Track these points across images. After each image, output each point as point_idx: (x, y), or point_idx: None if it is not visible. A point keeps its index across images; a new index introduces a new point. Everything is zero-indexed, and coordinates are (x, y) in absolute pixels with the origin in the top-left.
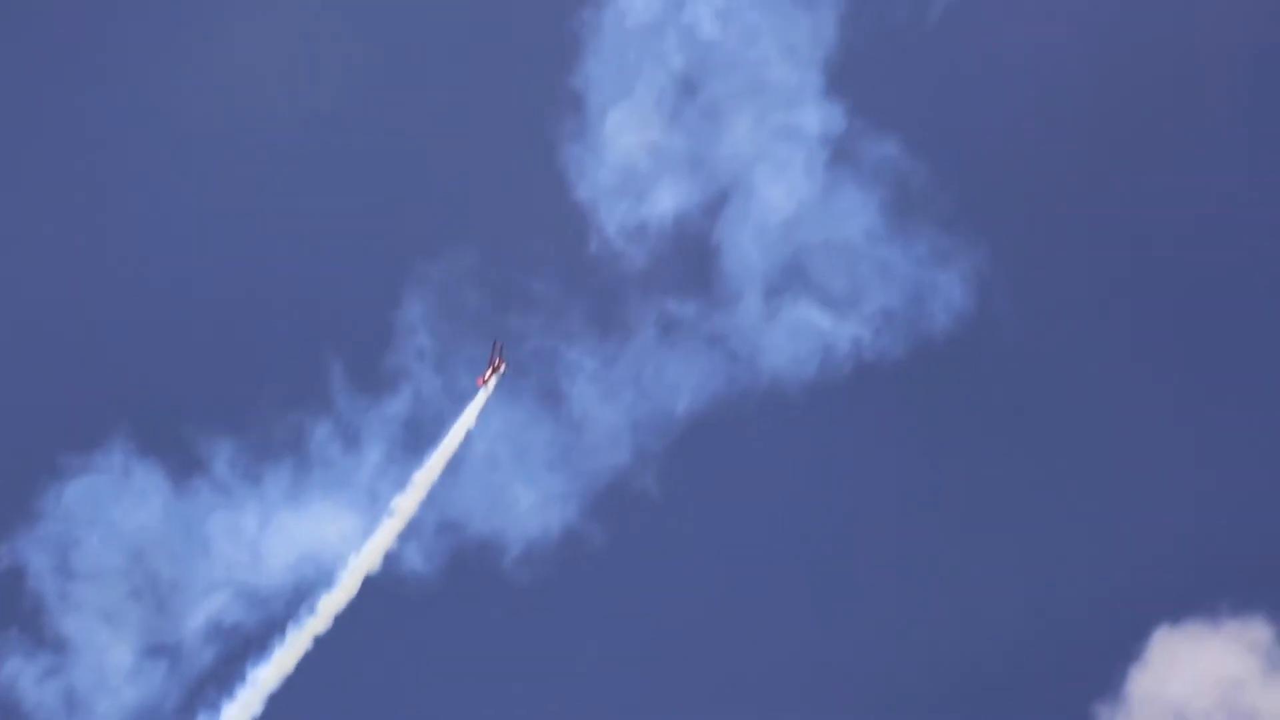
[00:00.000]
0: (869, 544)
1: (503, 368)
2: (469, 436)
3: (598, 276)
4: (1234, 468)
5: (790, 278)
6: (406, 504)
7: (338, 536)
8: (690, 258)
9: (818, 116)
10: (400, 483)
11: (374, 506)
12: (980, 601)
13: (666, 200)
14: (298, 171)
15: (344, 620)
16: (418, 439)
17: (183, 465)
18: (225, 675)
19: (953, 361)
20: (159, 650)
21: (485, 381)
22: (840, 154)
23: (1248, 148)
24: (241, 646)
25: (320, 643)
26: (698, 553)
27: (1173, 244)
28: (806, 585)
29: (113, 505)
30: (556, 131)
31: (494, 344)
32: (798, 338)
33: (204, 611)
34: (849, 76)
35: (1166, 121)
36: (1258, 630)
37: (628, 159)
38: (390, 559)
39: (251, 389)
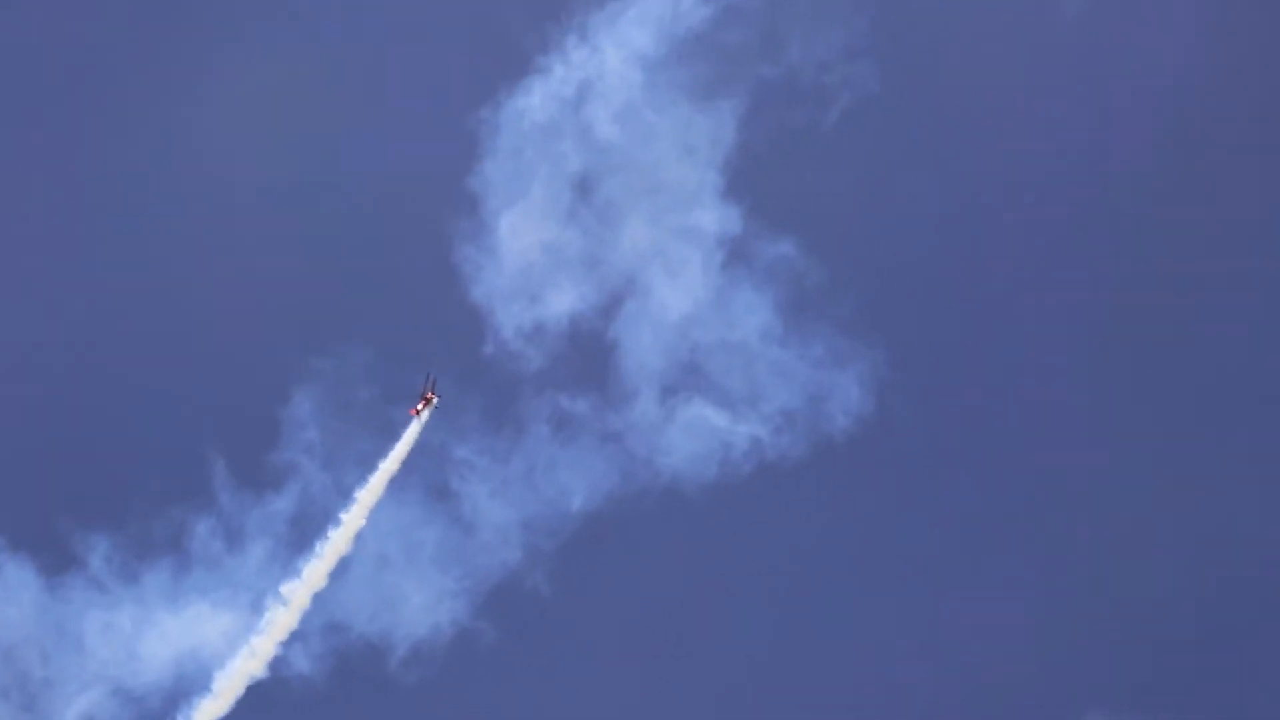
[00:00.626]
0: (766, 645)
1: (435, 400)
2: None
3: (493, 376)
4: (1127, 585)
5: (687, 377)
6: (313, 575)
7: (218, 637)
8: (586, 357)
9: (715, 217)
10: (288, 576)
11: (257, 606)
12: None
13: (563, 300)
14: (186, 262)
15: None
16: (304, 537)
17: (56, 561)
18: None
19: (853, 462)
20: None
21: (418, 412)
22: (737, 254)
23: (1141, 261)
24: None
25: None
26: (590, 653)
27: (1070, 345)
28: (701, 688)
29: None
30: (452, 231)
31: (426, 376)
32: (695, 437)
33: (76, 711)
34: (747, 178)
35: (1064, 221)
36: None
37: (524, 259)
38: (274, 661)
39: (130, 483)
